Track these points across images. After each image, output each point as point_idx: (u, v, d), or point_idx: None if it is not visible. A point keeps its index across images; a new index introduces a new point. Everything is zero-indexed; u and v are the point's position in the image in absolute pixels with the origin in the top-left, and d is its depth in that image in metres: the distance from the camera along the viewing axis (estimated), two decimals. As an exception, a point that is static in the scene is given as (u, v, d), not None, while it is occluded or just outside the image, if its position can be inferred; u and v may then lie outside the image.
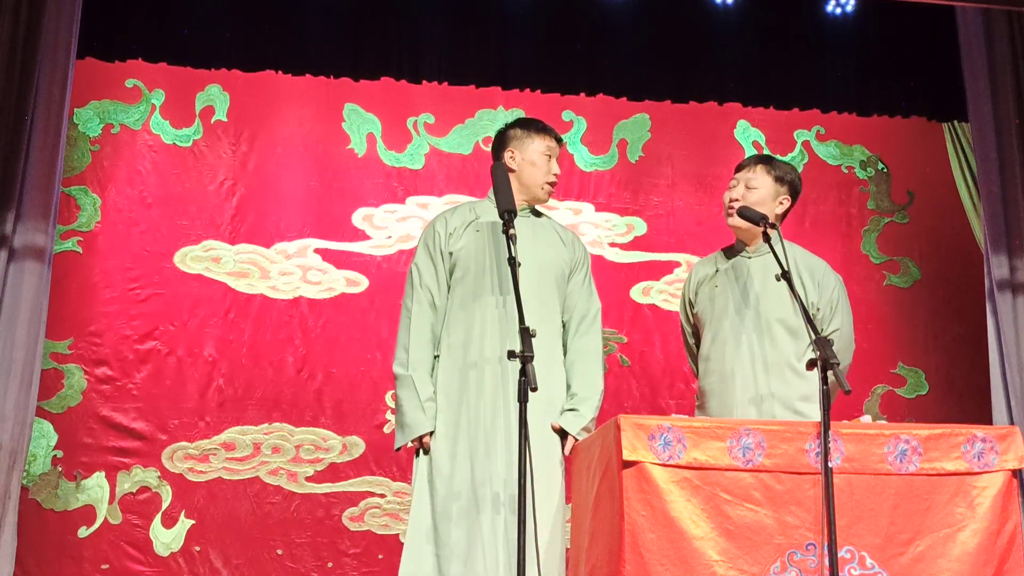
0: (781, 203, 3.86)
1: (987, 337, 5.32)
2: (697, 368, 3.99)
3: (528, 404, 3.17)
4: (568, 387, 3.71)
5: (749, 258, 3.88)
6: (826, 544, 3.03)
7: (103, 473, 5.20)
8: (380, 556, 5.31)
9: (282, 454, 5.37)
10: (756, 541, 3.07)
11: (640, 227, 5.89)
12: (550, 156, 3.82)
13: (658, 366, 5.75)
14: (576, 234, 3.97)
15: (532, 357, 3.15)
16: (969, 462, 3.23)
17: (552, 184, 3.84)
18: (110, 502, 5.19)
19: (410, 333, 3.68)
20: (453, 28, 5.46)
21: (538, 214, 3.88)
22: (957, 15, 5.44)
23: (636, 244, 5.88)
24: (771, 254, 3.74)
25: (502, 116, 5.61)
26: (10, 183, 4.62)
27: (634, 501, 3.02)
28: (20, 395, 4.57)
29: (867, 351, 5.78)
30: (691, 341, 4.08)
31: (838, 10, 5.70)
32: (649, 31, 5.60)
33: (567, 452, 3.64)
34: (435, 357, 3.69)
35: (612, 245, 5.85)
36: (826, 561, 3.03)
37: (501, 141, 3.86)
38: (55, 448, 5.20)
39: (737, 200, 3.85)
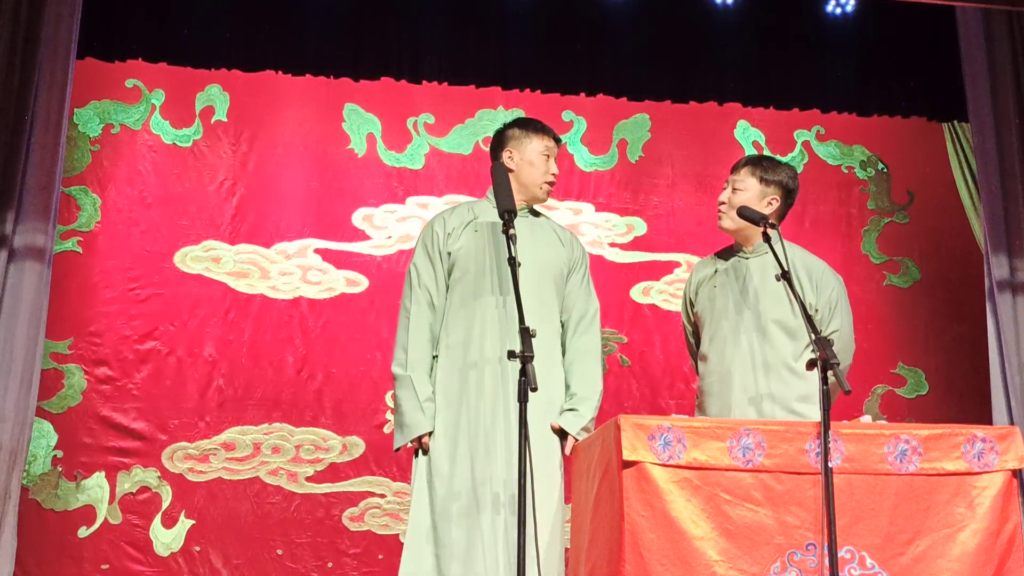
0: (770, 203, 3.85)
1: (987, 337, 5.32)
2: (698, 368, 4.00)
3: (528, 404, 3.17)
4: (567, 387, 3.71)
5: (747, 258, 3.89)
6: (826, 544, 3.03)
7: (103, 473, 5.20)
8: (380, 556, 5.31)
9: (282, 454, 5.37)
10: (756, 541, 3.07)
11: (640, 227, 5.89)
12: (548, 156, 3.82)
13: (658, 366, 5.75)
14: (574, 234, 3.97)
15: (532, 357, 3.15)
16: (969, 462, 3.23)
17: (551, 184, 3.84)
18: (110, 502, 5.19)
19: (409, 333, 3.68)
20: (453, 28, 5.46)
21: (536, 214, 3.88)
22: (957, 15, 5.44)
23: (636, 244, 5.88)
24: (769, 254, 3.75)
25: (502, 116, 5.61)
26: (10, 183, 4.62)
27: (634, 501, 3.02)
28: (20, 395, 4.57)
29: (867, 351, 5.78)
30: (692, 341, 4.08)
31: (838, 10, 5.70)
32: (649, 31, 5.60)
33: (567, 452, 3.64)
34: (434, 357, 3.69)
35: (612, 245, 5.85)
36: (826, 561, 3.03)
37: (499, 141, 3.86)
38: (55, 448, 5.20)
39: (724, 203, 3.88)
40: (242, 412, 5.36)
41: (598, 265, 5.74)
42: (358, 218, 5.65)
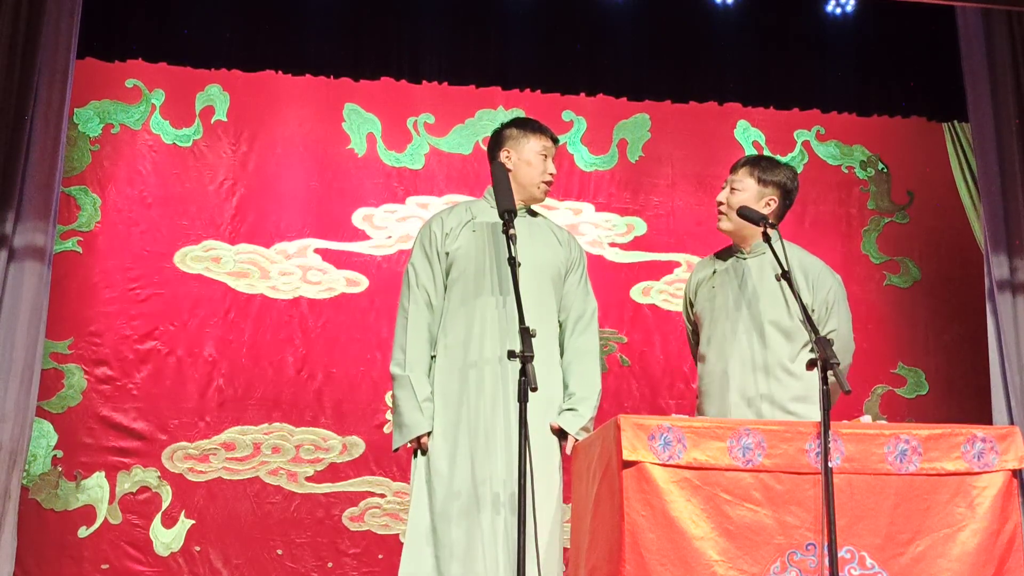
0: (768, 204, 3.85)
1: (987, 337, 5.32)
2: (699, 368, 4.01)
3: (528, 404, 3.18)
4: (566, 387, 3.71)
5: (745, 259, 3.89)
6: (826, 544, 3.03)
7: (103, 473, 5.20)
8: (380, 556, 5.31)
9: (282, 454, 5.37)
10: (756, 541, 3.07)
11: (640, 227, 5.89)
12: (546, 156, 3.82)
13: (658, 366, 5.75)
14: (572, 234, 3.97)
15: (532, 357, 3.15)
16: (969, 462, 3.22)
17: (548, 183, 3.84)
18: (110, 502, 5.19)
19: (407, 333, 3.68)
20: (453, 28, 5.45)
21: (534, 214, 3.88)
22: (957, 15, 5.44)
23: (636, 244, 5.88)
24: (767, 255, 3.77)
25: (502, 116, 5.61)
26: (10, 183, 4.62)
27: (634, 501, 3.02)
28: (20, 395, 4.57)
29: (867, 351, 5.78)
30: (694, 341, 4.08)
31: (838, 10, 5.70)
32: (649, 31, 5.60)
33: (568, 451, 3.64)
34: (432, 357, 3.69)
35: (612, 245, 5.85)
36: (826, 561, 3.03)
37: (497, 141, 3.86)
38: (55, 448, 5.20)
39: (723, 203, 3.88)
40: (242, 412, 5.37)
41: (598, 265, 5.74)
42: (358, 218, 5.65)
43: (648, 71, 5.63)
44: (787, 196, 3.91)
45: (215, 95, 5.62)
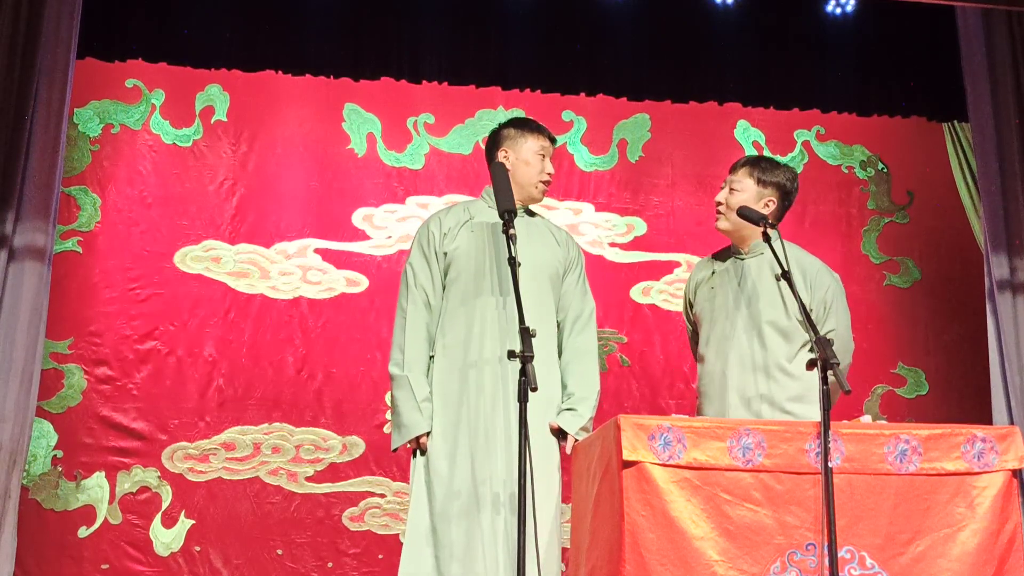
0: (767, 205, 3.85)
1: (987, 337, 5.32)
2: (700, 369, 4.01)
3: (528, 404, 3.18)
4: (564, 387, 3.71)
5: (743, 259, 3.89)
6: (826, 544, 3.03)
7: (103, 473, 5.20)
8: (380, 556, 5.31)
9: (282, 454, 5.37)
10: (756, 541, 3.07)
11: (640, 227, 5.89)
12: (544, 155, 3.82)
13: (658, 366, 5.75)
14: (570, 234, 3.97)
15: (532, 357, 3.15)
16: (969, 462, 3.23)
17: (546, 183, 3.84)
18: (110, 502, 5.19)
19: (405, 333, 3.68)
20: (453, 28, 5.45)
21: (532, 214, 3.88)
22: (957, 15, 5.44)
23: (636, 244, 5.88)
24: (765, 255, 3.77)
25: (502, 116, 5.60)
26: (10, 183, 4.62)
27: (634, 501, 3.02)
28: (20, 395, 4.57)
29: (867, 351, 5.78)
30: (694, 341, 4.08)
31: (838, 10, 5.70)
32: (649, 31, 5.59)
33: (568, 451, 3.64)
34: (430, 357, 3.69)
35: (612, 245, 5.85)
36: (826, 561, 3.03)
37: (495, 141, 3.86)
38: (55, 448, 5.20)
39: (721, 203, 3.88)
40: (242, 412, 5.37)
41: (598, 265, 5.74)
42: (358, 218, 5.65)
43: (648, 71, 5.63)
44: (786, 197, 3.90)
45: (215, 95, 5.62)
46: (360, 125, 5.74)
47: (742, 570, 3.04)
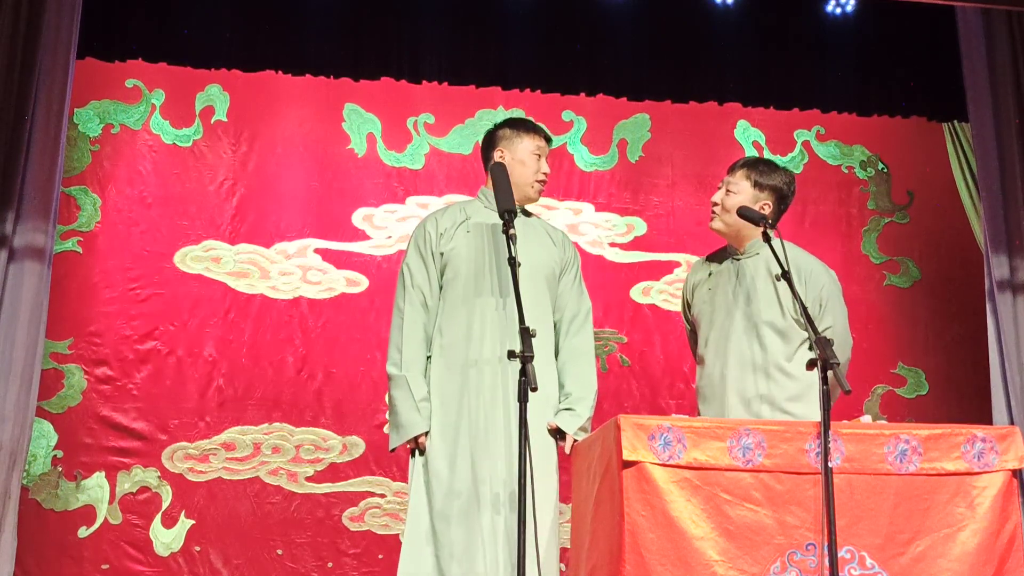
0: (763, 208, 3.84)
1: (987, 337, 5.32)
2: (700, 369, 4.01)
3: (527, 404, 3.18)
4: (562, 387, 3.71)
5: (739, 260, 3.90)
6: (826, 544, 3.03)
7: (103, 473, 5.20)
8: (380, 556, 5.31)
9: (282, 454, 5.37)
10: (756, 541, 3.07)
11: (640, 227, 5.89)
12: (540, 155, 3.82)
13: (658, 366, 5.75)
14: (567, 234, 3.98)
15: (532, 357, 3.16)
16: (969, 462, 3.23)
17: (542, 183, 3.85)
18: (110, 502, 5.19)
19: (403, 333, 3.68)
20: (453, 28, 5.45)
21: (528, 214, 3.88)
22: (957, 15, 5.44)
23: (636, 244, 5.88)
24: (761, 256, 3.79)
25: (502, 116, 5.58)
26: (10, 183, 4.62)
27: (634, 501, 3.02)
28: (20, 395, 4.57)
29: (867, 351, 5.78)
30: (693, 342, 4.09)
31: (838, 10, 5.70)
32: (649, 31, 5.59)
33: (567, 451, 3.64)
34: (427, 358, 3.69)
35: (612, 245, 5.84)
36: (826, 561, 3.03)
37: (491, 141, 3.87)
38: (55, 448, 5.20)
39: (717, 204, 3.89)
40: (242, 412, 5.36)
41: (598, 265, 5.74)
42: (358, 218, 5.65)
43: (648, 71, 5.62)
44: (782, 201, 3.91)
45: (215, 95, 5.62)
46: (360, 125, 5.74)
47: (742, 570, 3.04)
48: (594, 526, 3.25)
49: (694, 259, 5.61)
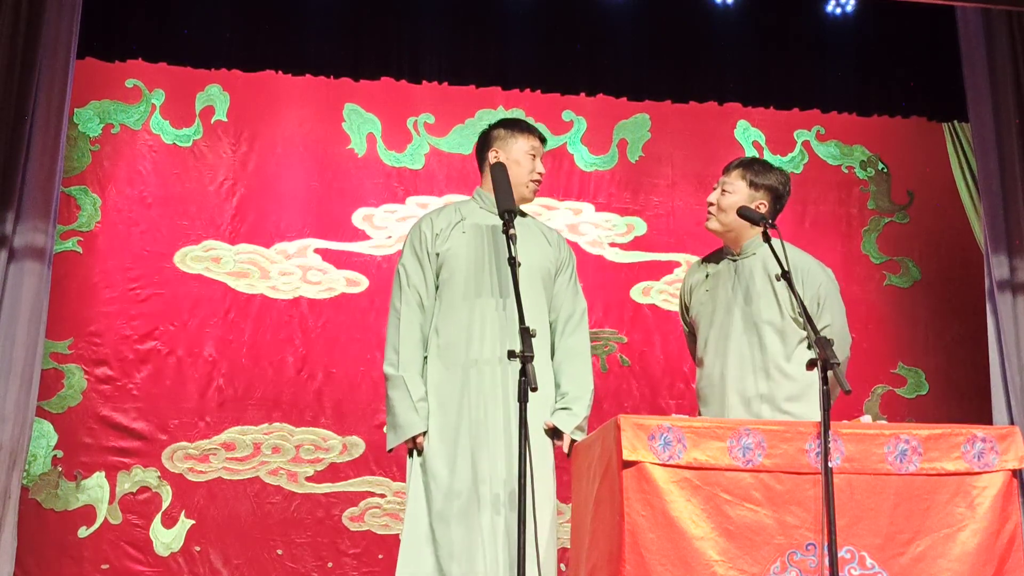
0: (758, 207, 3.85)
1: (987, 337, 5.32)
2: (700, 370, 4.01)
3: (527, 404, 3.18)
4: (558, 386, 3.72)
5: (736, 260, 3.90)
6: (826, 544, 3.03)
7: (103, 473, 5.20)
8: (380, 556, 5.31)
9: (282, 454, 5.37)
10: (756, 541, 3.07)
11: (640, 227, 5.89)
12: (534, 155, 3.83)
13: (658, 366, 5.75)
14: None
15: (532, 357, 3.16)
16: (969, 462, 3.23)
17: (537, 182, 3.85)
18: (110, 502, 5.19)
19: (400, 333, 3.69)
20: (453, 28, 5.45)
21: (522, 214, 3.88)
22: (957, 15, 5.44)
23: (636, 244, 5.87)
24: (758, 256, 3.81)
25: (502, 116, 5.60)
26: (10, 183, 4.62)
27: (634, 501, 3.02)
28: (20, 395, 4.57)
29: (867, 351, 5.78)
30: (692, 343, 4.09)
31: (838, 10, 5.70)
32: (649, 31, 5.59)
33: (565, 450, 3.64)
34: (424, 358, 3.70)
35: (612, 245, 5.84)
36: (826, 561, 3.03)
37: (485, 141, 3.87)
38: (55, 448, 5.20)
39: (713, 204, 3.90)
40: (242, 412, 5.36)
41: (598, 265, 5.74)
42: (358, 218, 5.65)
43: (648, 71, 5.63)
44: (778, 200, 3.92)
45: (215, 95, 5.62)
46: (360, 125, 5.74)
47: (742, 570, 3.04)
48: (594, 526, 3.25)
49: (694, 259, 5.61)
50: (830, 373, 3.16)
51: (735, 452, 3.10)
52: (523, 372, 3.15)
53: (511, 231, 3.50)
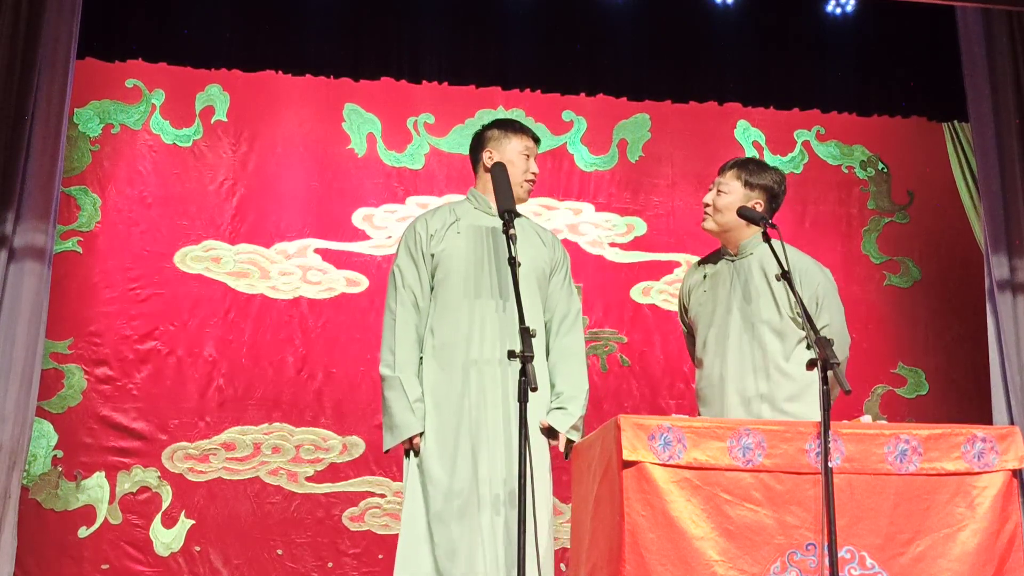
0: (754, 207, 3.85)
1: (987, 337, 5.32)
2: (699, 371, 4.02)
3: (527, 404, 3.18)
4: (552, 386, 3.72)
5: (733, 261, 3.90)
6: (826, 544, 3.03)
7: (103, 473, 5.20)
8: (380, 556, 5.31)
9: (282, 454, 5.37)
10: (756, 541, 3.07)
11: (640, 227, 5.89)
12: (528, 155, 3.84)
13: (658, 366, 5.75)
14: (555, 235, 3.99)
15: (532, 357, 3.16)
16: (969, 462, 3.23)
17: (531, 183, 3.86)
18: (110, 502, 5.19)
19: (395, 334, 3.69)
20: (453, 28, 5.45)
21: (517, 215, 3.88)
22: (957, 15, 5.44)
23: (636, 244, 5.88)
24: (755, 256, 3.82)
25: (502, 116, 5.60)
26: (10, 183, 4.62)
27: (634, 501, 3.02)
28: (20, 395, 4.57)
29: (867, 351, 5.79)
30: (691, 344, 4.09)
31: (838, 10, 5.70)
32: (649, 31, 5.59)
33: (562, 449, 3.65)
34: (420, 358, 3.70)
35: (612, 245, 5.84)
36: (826, 561, 3.03)
37: (479, 142, 3.88)
38: (55, 448, 5.20)
39: (709, 205, 3.90)
40: (242, 412, 5.37)
41: (598, 265, 5.74)
42: (358, 218, 5.65)
43: (648, 71, 5.62)
44: (773, 200, 3.92)
45: (215, 95, 5.62)
46: (360, 125, 5.74)
47: (742, 570, 3.04)
48: (594, 526, 3.25)
49: (694, 259, 5.61)
50: (830, 373, 3.16)
51: (735, 452, 3.10)
52: (523, 372, 3.15)
53: (511, 231, 3.50)
